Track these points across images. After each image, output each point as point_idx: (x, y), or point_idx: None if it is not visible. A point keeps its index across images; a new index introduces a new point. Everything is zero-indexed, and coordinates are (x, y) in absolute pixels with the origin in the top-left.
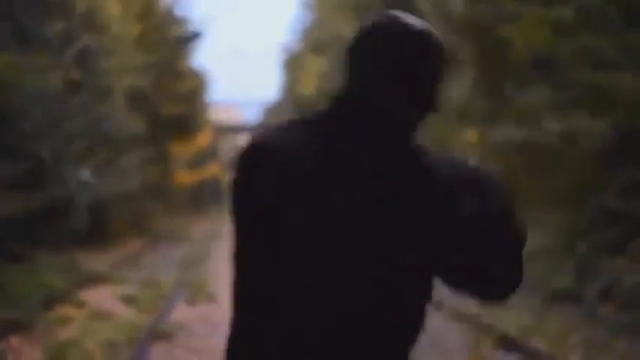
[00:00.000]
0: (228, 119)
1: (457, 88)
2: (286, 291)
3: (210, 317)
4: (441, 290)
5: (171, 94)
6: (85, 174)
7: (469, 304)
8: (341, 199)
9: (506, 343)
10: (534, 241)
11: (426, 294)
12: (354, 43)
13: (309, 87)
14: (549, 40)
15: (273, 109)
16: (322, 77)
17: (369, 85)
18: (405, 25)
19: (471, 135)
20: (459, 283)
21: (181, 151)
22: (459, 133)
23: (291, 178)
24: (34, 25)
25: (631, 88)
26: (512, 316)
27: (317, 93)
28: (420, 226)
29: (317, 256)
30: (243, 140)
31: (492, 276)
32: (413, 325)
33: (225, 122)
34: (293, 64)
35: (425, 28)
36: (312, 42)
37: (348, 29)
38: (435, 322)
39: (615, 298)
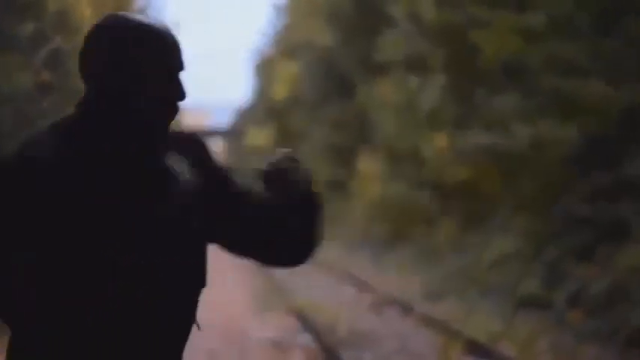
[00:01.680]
0: (198, 124)
1: (428, 93)
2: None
3: None
4: (410, 296)
5: None
6: None
7: (438, 310)
8: (93, 204)
9: (475, 348)
10: (503, 246)
11: (199, 280)
12: (84, 47)
13: (281, 91)
14: (520, 47)
15: (244, 113)
16: (294, 81)
17: (106, 86)
18: (135, 24)
19: (440, 140)
20: (250, 249)
21: None
22: (429, 138)
23: (45, 191)
24: (3, 26)
25: (600, 94)
26: (480, 321)
27: (289, 97)
28: (172, 213)
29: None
30: (213, 145)
31: (278, 238)
32: (186, 317)
33: (194, 127)
34: (265, 69)
35: (157, 25)
36: (284, 46)
37: (320, 34)
38: (403, 327)
39: (583, 303)
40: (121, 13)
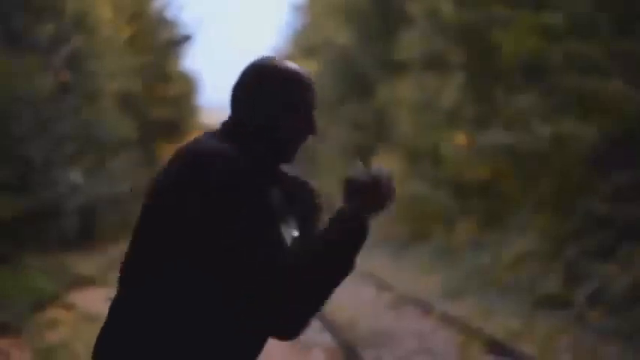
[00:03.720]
0: (218, 123)
1: (447, 92)
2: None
3: None
4: (430, 295)
5: (161, 97)
6: (75, 176)
7: (458, 309)
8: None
9: (495, 347)
10: (522, 245)
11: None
12: (247, 82)
13: None
14: (539, 46)
15: None
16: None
17: (266, 115)
18: (287, 66)
19: (460, 138)
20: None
21: (171, 154)
22: (448, 137)
23: None
24: (23, 27)
25: (619, 94)
26: (500, 320)
27: None
28: None
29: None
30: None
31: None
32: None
33: (214, 126)
34: None
35: (302, 69)
36: (303, 46)
37: (339, 33)
38: (423, 326)
39: (603, 302)
40: (272, 57)
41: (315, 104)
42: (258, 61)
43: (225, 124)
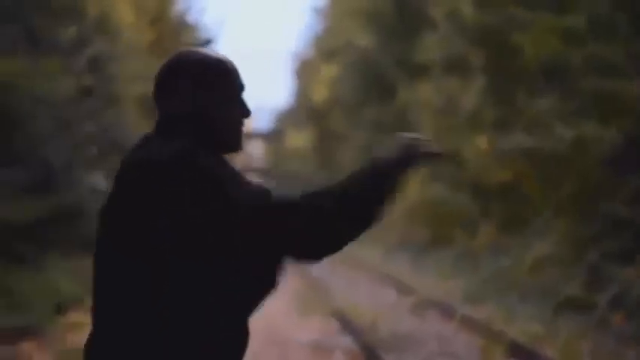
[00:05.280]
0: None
1: (468, 94)
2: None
3: None
4: (451, 299)
5: None
6: (96, 179)
7: (479, 313)
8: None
9: (517, 350)
10: (543, 249)
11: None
12: (165, 77)
13: (320, 93)
14: (559, 48)
15: (284, 116)
16: (334, 84)
17: (191, 110)
18: (212, 56)
19: (481, 141)
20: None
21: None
22: (469, 140)
23: None
24: (45, 29)
25: (639, 95)
26: (521, 324)
27: (329, 99)
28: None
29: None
30: (254, 147)
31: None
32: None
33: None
34: (304, 71)
35: (222, 55)
36: (324, 49)
37: (360, 36)
38: (444, 329)
39: (625, 306)
40: (189, 48)
41: (243, 87)
42: (181, 55)
43: (160, 123)
